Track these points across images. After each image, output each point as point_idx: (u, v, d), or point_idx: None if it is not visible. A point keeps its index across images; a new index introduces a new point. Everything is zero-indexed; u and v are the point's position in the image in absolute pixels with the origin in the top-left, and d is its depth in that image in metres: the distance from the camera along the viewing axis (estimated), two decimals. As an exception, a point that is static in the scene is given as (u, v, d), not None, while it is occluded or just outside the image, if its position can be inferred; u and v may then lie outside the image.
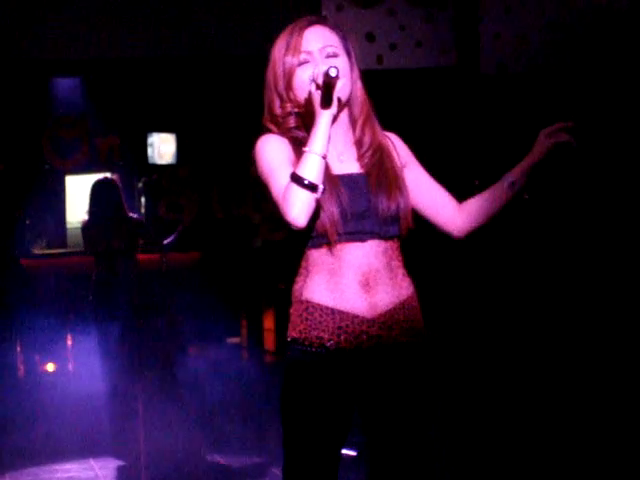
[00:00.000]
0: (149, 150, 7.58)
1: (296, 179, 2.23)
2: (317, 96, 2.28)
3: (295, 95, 2.41)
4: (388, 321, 2.36)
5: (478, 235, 2.50)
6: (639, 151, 5.36)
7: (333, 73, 2.24)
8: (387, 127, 2.55)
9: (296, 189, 2.23)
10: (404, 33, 5.50)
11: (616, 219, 5.39)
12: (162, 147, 7.61)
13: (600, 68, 5.39)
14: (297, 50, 2.39)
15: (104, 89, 6.96)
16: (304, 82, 2.37)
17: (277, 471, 4.88)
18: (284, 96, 2.42)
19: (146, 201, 7.70)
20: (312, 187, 2.23)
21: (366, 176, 2.40)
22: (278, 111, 2.43)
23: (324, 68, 2.27)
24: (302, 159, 2.26)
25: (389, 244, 2.40)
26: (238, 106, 7.00)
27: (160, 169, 7.46)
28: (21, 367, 6.87)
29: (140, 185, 7.69)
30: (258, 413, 5.70)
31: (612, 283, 5.29)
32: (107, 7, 5.52)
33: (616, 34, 5.37)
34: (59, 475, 5.01)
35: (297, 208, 2.22)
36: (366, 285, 2.35)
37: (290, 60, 2.39)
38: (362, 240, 2.37)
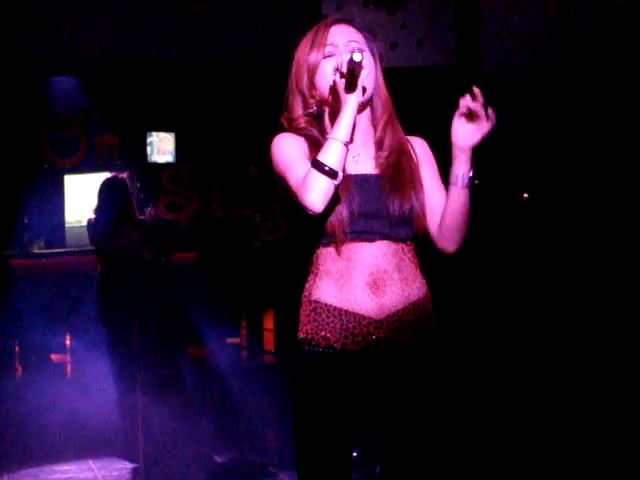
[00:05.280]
0: (148, 149, 7.56)
1: (316, 165, 2.23)
2: (342, 84, 2.28)
3: (319, 90, 2.40)
4: (396, 322, 2.34)
5: (486, 238, 2.48)
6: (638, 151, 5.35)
7: (357, 57, 2.24)
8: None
9: (316, 174, 2.23)
10: (405, 32, 5.49)
11: (617, 219, 5.37)
12: (161, 146, 7.59)
13: (602, 67, 5.38)
14: (322, 44, 2.39)
15: (103, 88, 6.95)
16: (328, 74, 2.37)
17: (276, 471, 4.87)
18: (306, 94, 2.42)
19: (144, 200, 7.67)
20: (332, 173, 2.23)
21: (380, 177, 2.39)
22: (297, 110, 2.43)
23: (348, 56, 2.27)
24: (324, 145, 2.26)
25: (400, 246, 2.38)
26: (237, 105, 6.99)
27: (159, 168, 7.44)
28: (19, 367, 6.86)
29: (138, 184, 7.66)
30: (258, 413, 5.68)
31: (616, 285, 5.28)
32: (105, 6, 5.51)
33: (618, 33, 5.36)
34: (58, 476, 5.00)
35: (315, 193, 2.22)
36: (374, 286, 2.33)
37: (315, 55, 2.40)
38: (371, 240, 2.35)
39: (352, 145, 2.35)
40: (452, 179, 2.37)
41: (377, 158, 2.43)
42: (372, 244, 2.36)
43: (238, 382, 6.21)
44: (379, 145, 2.44)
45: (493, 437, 4.82)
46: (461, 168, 2.36)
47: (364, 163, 2.42)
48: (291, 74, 2.46)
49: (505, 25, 5.51)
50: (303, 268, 2.45)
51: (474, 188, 2.39)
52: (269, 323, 7.51)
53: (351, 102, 2.28)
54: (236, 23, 5.52)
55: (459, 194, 2.37)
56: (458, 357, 4.97)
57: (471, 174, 2.37)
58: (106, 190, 6.01)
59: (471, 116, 2.33)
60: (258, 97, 6.02)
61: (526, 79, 5.51)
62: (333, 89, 2.35)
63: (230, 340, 7.48)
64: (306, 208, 2.24)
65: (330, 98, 2.39)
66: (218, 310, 6.72)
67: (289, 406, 2.41)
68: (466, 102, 2.32)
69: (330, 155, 2.24)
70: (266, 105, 3.23)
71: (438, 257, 2.48)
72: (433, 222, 2.44)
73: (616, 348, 5.15)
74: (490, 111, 2.33)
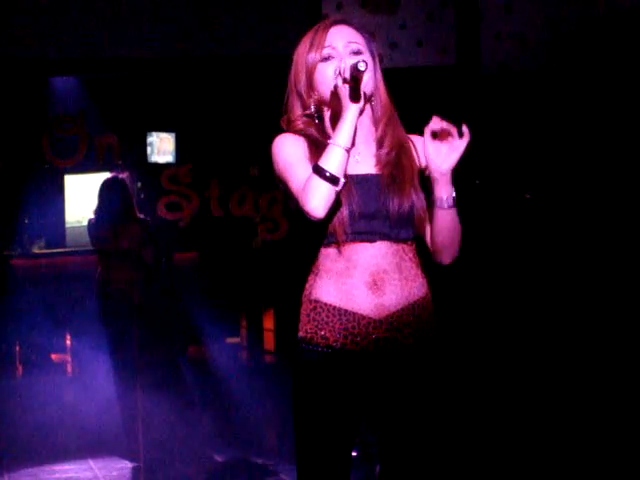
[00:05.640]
0: (148, 149, 7.56)
1: (318, 170, 2.23)
2: (344, 90, 2.28)
3: (318, 92, 2.40)
4: (395, 322, 2.34)
5: (488, 238, 2.48)
6: (639, 151, 5.34)
7: (362, 67, 2.24)
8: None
9: (317, 180, 2.22)
10: (404, 32, 5.49)
11: (619, 218, 5.37)
12: (161, 146, 7.59)
13: (602, 67, 5.38)
14: (320, 46, 2.39)
15: (103, 88, 6.94)
16: (327, 77, 2.37)
17: (276, 471, 4.87)
18: (304, 96, 2.42)
19: (144, 200, 7.67)
20: (333, 179, 2.23)
21: (380, 176, 2.39)
22: (296, 111, 2.44)
23: (352, 61, 2.27)
24: (326, 151, 2.25)
25: (401, 246, 2.38)
26: (237, 105, 6.98)
27: (159, 168, 7.44)
28: (19, 367, 6.86)
29: (138, 184, 7.66)
30: (258, 413, 5.68)
31: (619, 285, 5.27)
32: (106, 6, 5.51)
33: (618, 33, 5.36)
34: (58, 475, 5.01)
35: (317, 199, 2.22)
36: (374, 286, 2.34)
37: (313, 56, 2.40)
38: (371, 241, 2.36)
39: (356, 146, 2.35)
40: (436, 202, 2.36)
41: (378, 158, 2.43)
42: (372, 244, 2.36)
43: (238, 382, 6.21)
44: (380, 144, 2.44)
45: (493, 437, 4.82)
46: (444, 191, 2.35)
47: (365, 162, 2.42)
48: (290, 74, 2.46)
49: (505, 25, 5.51)
50: (303, 268, 2.46)
51: (475, 188, 2.39)
52: (269, 323, 7.50)
53: (353, 108, 2.28)
54: (236, 23, 5.52)
55: (445, 215, 2.37)
56: (458, 357, 4.98)
57: (454, 194, 2.37)
58: (106, 190, 6.03)
59: (443, 137, 2.33)
60: (258, 97, 6.02)
61: (526, 79, 5.51)
62: (334, 93, 2.36)
63: (230, 340, 7.48)
64: (307, 214, 2.24)
65: (330, 100, 2.40)
66: (218, 310, 6.73)
67: (289, 406, 2.42)
68: (432, 125, 2.32)
69: (332, 161, 2.24)
70: (266, 105, 3.23)
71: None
72: (428, 233, 2.44)
73: (618, 348, 5.14)
74: (464, 128, 2.34)
